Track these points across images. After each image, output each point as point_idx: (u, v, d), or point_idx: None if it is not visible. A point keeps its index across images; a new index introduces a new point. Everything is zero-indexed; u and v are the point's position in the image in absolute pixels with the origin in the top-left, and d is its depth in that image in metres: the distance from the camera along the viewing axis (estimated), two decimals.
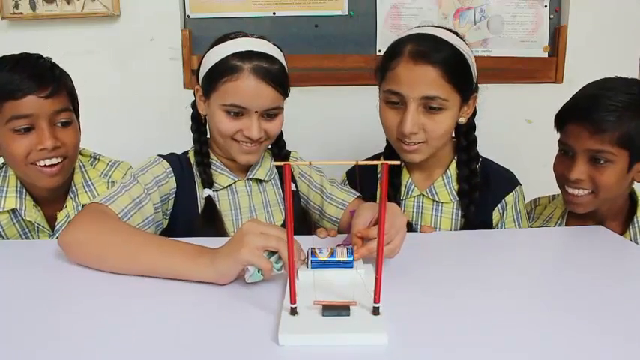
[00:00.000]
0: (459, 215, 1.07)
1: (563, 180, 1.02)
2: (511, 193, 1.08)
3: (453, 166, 1.08)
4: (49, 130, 0.97)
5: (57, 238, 1.03)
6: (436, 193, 1.07)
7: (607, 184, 0.96)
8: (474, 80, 1.01)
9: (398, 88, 0.96)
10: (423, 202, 1.09)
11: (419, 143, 0.98)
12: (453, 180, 1.08)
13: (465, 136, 1.06)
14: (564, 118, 1.01)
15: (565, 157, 1.02)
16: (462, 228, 1.06)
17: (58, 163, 1.00)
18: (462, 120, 1.02)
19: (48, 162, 0.99)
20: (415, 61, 0.94)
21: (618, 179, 0.96)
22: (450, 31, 0.99)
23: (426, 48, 0.94)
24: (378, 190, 1.13)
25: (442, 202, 1.07)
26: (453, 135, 1.09)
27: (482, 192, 1.06)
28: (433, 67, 0.93)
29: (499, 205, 1.08)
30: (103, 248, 0.78)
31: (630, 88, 0.95)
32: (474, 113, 1.06)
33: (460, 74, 0.96)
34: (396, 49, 0.98)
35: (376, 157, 1.16)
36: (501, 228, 1.08)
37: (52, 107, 0.97)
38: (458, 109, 0.99)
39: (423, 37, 0.97)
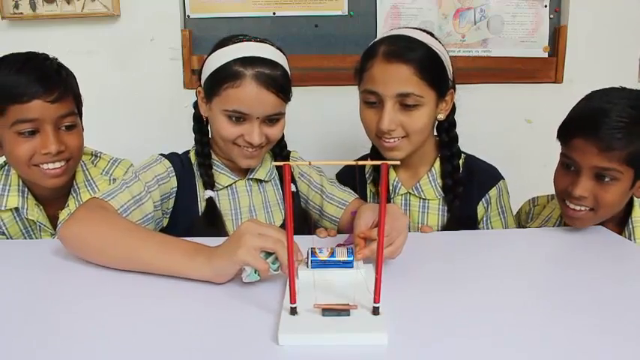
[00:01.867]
0: (445, 211, 1.09)
1: (564, 194, 0.98)
2: (494, 187, 1.10)
3: (438, 163, 1.10)
4: (53, 134, 0.97)
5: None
6: (422, 191, 1.10)
7: (610, 201, 0.94)
8: (450, 78, 1.03)
9: (374, 88, 0.99)
10: (409, 200, 1.11)
11: (398, 139, 1.00)
12: (437, 177, 1.10)
13: (446, 133, 1.09)
14: (569, 132, 0.96)
15: (568, 170, 0.98)
16: (448, 223, 1.08)
17: (62, 166, 1.00)
18: (441, 116, 1.05)
19: (51, 165, 0.99)
20: (389, 60, 0.97)
21: (621, 197, 0.95)
22: (425, 31, 1.02)
23: (399, 47, 0.97)
24: (368, 190, 1.15)
25: (428, 199, 1.10)
26: (436, 133, 1.11)
27: (467, 187, 1.08)
28: (406, 65, 0.96)
29: (483, 200, 1.10)
30: (102, 242, 0.78)
31: (634, 101, 0.92)
32: (453, 110, 1.08)
33: (434, 71, 0.98)
34: (371, 51, 1.01)
35: (362, 159, 1.16)
36: (486, 222, 1.11)
37: (58, 112, 0.97)
38: (434, 105, 1.01)
39: (396, 37, 1.00)
